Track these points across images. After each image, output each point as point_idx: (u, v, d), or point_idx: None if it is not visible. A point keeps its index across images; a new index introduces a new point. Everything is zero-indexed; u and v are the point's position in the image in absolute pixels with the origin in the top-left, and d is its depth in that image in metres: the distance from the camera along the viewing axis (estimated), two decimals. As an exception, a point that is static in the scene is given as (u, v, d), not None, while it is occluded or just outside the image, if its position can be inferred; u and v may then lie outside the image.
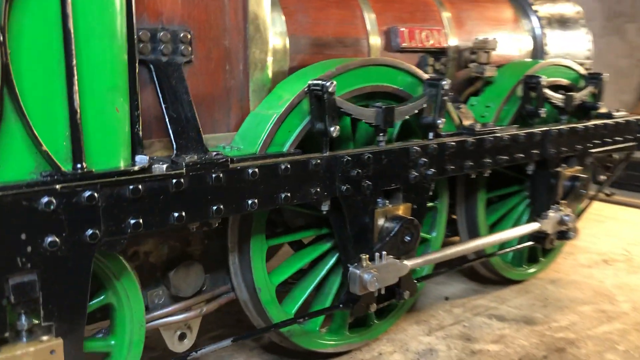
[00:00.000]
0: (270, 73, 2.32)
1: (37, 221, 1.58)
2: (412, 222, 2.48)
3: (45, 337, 1.68)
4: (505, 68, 3.20)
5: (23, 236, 1.57)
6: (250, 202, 1.98)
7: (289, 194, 2.08)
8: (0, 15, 1.47)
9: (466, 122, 2.79)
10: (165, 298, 2.23)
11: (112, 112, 1.71)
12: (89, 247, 1.67)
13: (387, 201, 2.46)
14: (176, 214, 1.82)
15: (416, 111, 2.49)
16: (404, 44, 2.82)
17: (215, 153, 1.96)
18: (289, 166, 2.06)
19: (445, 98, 2.55)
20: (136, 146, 1.81)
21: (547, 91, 3.05)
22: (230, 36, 2.20)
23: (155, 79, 1.98)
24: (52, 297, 1.66)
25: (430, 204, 2.86)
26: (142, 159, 1.79)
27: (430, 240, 2.94)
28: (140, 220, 1.75)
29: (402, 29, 2.81)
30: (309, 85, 2.15)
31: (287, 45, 2.43)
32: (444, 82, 2.51)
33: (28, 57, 1.56)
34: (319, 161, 2.14)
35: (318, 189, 2.16)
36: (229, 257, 2.31)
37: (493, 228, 3.26)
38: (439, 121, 2.55)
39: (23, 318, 1.65)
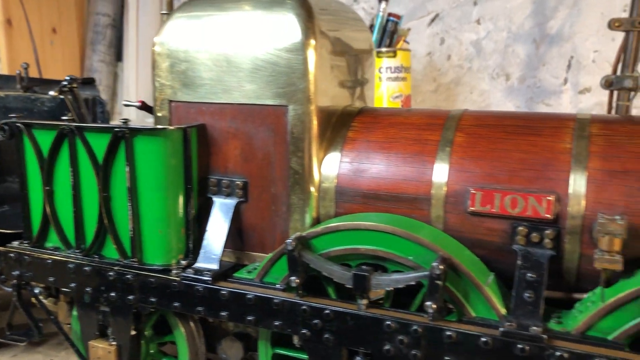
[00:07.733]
0: (309, 216, 2.82)
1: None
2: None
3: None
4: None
5: None
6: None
7: (252, 318, 2.69)
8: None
9: (516, 320, 2.28)
10: None
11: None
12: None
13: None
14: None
15: (400, 286, 2.40)
16: (473, 208, 2.51)
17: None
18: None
19: (438, 282, 2.29)
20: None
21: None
22: (275, 185, 2.87)
23: (214, 208, 2.97)
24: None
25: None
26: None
27: None
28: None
29: (472, 191, 2.51)
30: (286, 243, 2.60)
31: (333, 195, 2.80)
32: (434, 264, 2.29)
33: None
34: (276, 301, 2.61)
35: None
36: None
37: None
38: (427, 302, 2.33)
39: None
